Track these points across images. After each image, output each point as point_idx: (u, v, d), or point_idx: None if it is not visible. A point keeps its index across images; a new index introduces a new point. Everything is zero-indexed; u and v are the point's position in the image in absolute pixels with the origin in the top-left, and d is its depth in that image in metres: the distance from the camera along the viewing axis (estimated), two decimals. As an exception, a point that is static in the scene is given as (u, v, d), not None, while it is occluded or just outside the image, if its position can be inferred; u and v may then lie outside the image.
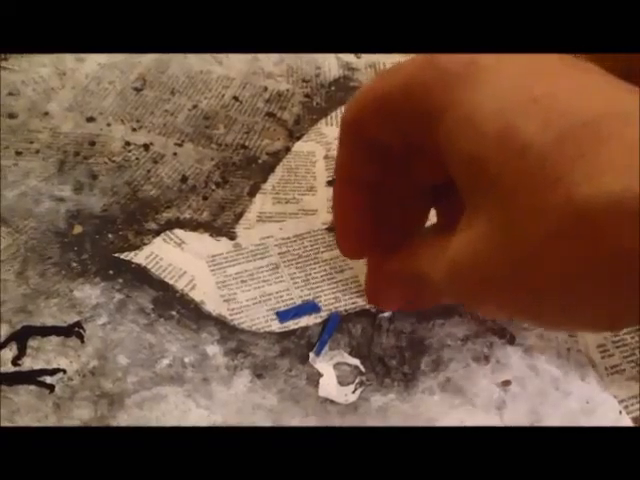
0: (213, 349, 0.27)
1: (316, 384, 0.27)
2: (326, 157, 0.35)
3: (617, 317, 0.18)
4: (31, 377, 0.26)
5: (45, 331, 0.28)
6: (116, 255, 0.30)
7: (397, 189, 0.24)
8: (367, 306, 0.29)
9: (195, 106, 0.38)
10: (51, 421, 0.25)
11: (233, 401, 0.26)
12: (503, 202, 0.18)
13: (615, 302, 0.17)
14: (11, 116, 0.36)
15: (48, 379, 0.26)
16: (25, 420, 0.25)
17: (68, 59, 0.39)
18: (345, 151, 0.24)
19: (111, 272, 0.30)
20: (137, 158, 0.35)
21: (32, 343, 0.27)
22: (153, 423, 0.25)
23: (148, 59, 0.40)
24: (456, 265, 0.20)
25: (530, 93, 0.18)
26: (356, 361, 0.27)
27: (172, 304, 0.29)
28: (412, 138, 0.22)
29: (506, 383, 0.27)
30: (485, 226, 0.19)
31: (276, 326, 0.28)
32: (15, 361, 0.27)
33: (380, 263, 0.24)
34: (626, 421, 0.26)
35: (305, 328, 0.28)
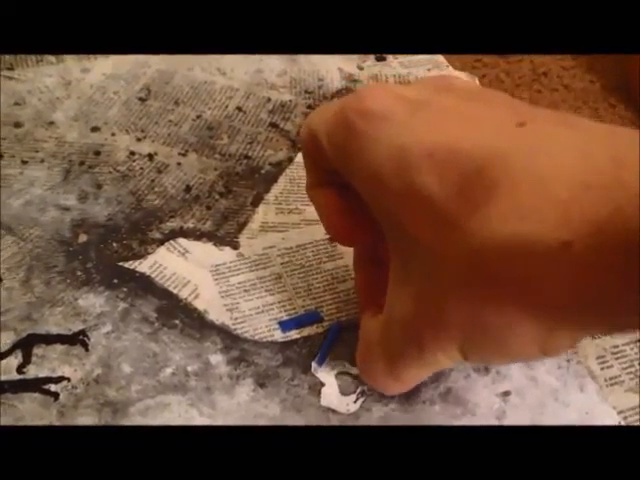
0: (216, 358, 0.28)
1: (318, 393, 0.27)
2: (328, 168, 0.36)
3: (544, 345, 0.19)
4: (36, 385, 0.26)
5: (50, 339, 0.28)
6: (120, 264, 0.31)
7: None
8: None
9: (199, 116, 0.38)
10: (55, 429, 0.25)
11: (236, 410, 0.26)
12: (417, 255, 0.20)
13: (526, 333, 0.18)
14: (17, 125, 0.36)
15: (52, 387, 0.26)
16: (29, 428, 0.25)
17: (74, 69, 0.40)
18: (305, 160, 0.26)
19: (115, 281, 0.30)
20: (141, 168, 0.35)
21: (37, 351, 0.27)
22: (156, 431, 0.25)
23: (153, 70, 0.40)
24: (402, 328, 0.21)
25: (424, 147, 0.19)
26: (358, 371, 0.28)
27: (175, 313, 0.29)
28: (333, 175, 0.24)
29: (506, 394, 0.27)
30: (411, 280, 0.20)
31: (278, 335, 0.29)
32: (20, 369, 0.27)
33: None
34: (625, 432, 0.27)
35: (307, 338, 0.29)
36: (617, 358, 0.29)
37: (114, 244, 0.31)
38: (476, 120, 0.20)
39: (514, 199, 0.17)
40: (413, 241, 0.19)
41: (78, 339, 0.28)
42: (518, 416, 0.27)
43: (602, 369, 0.28)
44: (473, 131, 0.19)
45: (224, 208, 0.34)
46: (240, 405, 0.26)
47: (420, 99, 0.21)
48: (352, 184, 0.22)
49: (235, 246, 0.32)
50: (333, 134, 0.23)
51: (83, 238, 0.32)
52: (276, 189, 0.35)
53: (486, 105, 0.21)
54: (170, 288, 0.30)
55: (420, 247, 0.19)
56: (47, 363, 0.27)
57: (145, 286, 0.30)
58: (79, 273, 0.30)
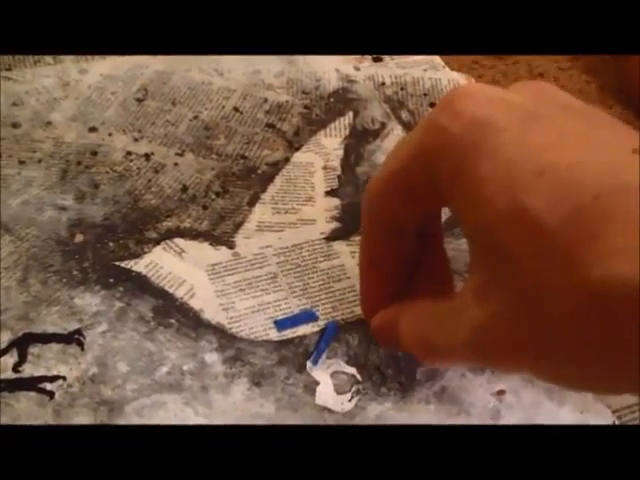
0: (212, 357, 0.28)
1: (313, 392, 0.27)
2: (325, 168, 0.36)
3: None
4: (31, 384, 0.27)
5: (46, 338, 0.28)
6: (117, 263, 0.31)
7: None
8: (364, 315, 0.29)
9: (196, 117, 0.38)
10: (51, 427, 0.25)
11: (231, 409, 0.26)
12: (518, 281, 0.18)
13: (632, 375, 0.17)
14: (15, 126, 0.37)
15: (48, 386, 0.26)
16: (25, 426, 0.25)
17: (71, 70, 0.40)
18: (366, 235, 0.25)
19: (111, 280, 0.30)
20: (138, 168, 0.35)
21: (33, 350, 0.28)
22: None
23: (150, 71, 0.40)
24: (478, 334, 0.20)
25: (532, 165, 0.18)
26: (353, 370, 0.28)
27: (171, 312, 0.29)
28: (429, 204, 0.23)
29: (501, 393, 0.27)
30: (501, 302, 0.19)
31: (274, 335, 0.29)
32: (16, 368, 0.27)
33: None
34: (619, 431, 0.27)
35: (303, 337, 0.29)
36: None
37: (111, 244, 0.32)
38: (590, 142, 0.18)
39: (635, 233, 0.16)
40: (511, 261, 0.18)
41: (74, 338, 0.28)
42: (513, 415, 0.27)
43: (597, 368, 0.28)
44: (588, 154, 0.18)
45: (220, 208, 0.34)
46: (235, 404, 0.26)
47: (528, 109, 0.20)
48: (444, 205, 0.21)
49: (231, 245, 0.32)
50: (429, 151, 0.21)
51: (80, 238, 0.32)
52: (272, 189, 0.35)
53: (595, 125, 0.19)
54: (166, 287, 0.30)
55: (519, 268, 0.18)
56: (43, 362, 0.27)
57: (141, 285, 0.30)
58: (75, 272, 0.30)
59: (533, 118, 0.19)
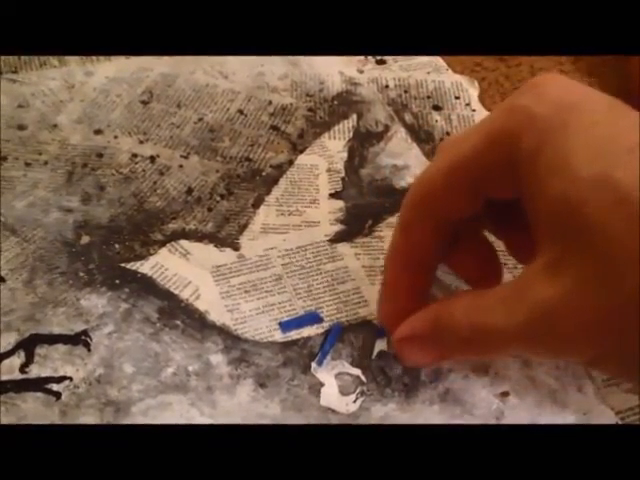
0: (217, 358, 0.28)
1: (318, 394, 0.27)
2: (329, 170, 0.36)
3: None
4: (38, 384, 0.27)
5: (52, 339, 0.28)
6: (122, 265, 0.31)
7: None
8: (368, 317, 0.30)
9: (201, 119, 0.38)
10: (57, 428, 0.25)
11: (236, 410, 0.26)
12: (599, 248, 0.18)
13: None
14: (21, 128, 0.37)
15: (55, 386, 0.27)
16: (32, 427, 0.25)
17: (77, 72, 0.40)
18: (408, 233, 0.25)
19: (117, 282, 0.30)
20: (143, 170, 0.35)
21: (39, 351, 0.28)
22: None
23: (155, 73, 0.41)
24: (545, 312, 0.19)
25: (624, 143, 0.19)
26: (357, 371, 0.28)
27: (177, 314, 0.29)
28: (491, 193, 0.22)
29: (505, 395, 0.28)
30: (578, 272, 0.19)
31: (279, 336, 0.29)
32: (23, 368, 0.27)
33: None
34: (623, 432, 0.27)
35: (307, 338, 0.29)
36: (615, 359, 0.29)
37: (116, 245, 0.32)
38: None
39: None
40: (595, 228, 0.18)
41: (80, 339, 0.28)
42: (516, 416, 0.27)
43: (600, 370, 0.29)
44: None
45: (225, 210, 0.34)
46: (240, 405, 0.27)
47: (606, 96, 0.20)
48: (511, 189, 0.21)
49: (236, 247, 0.32)
50: (507, 130, 0.21)
51: (86, 239, 0.32)
52: (277, 191, 0.35)
53: None
54: (171, 289, 0.30)
55: (603, 235, 0.18)
56: (49, 363, 0.27)
57: (147, 287, 0.30)
58: (81, 274, 0.30)
59: (618, 105, 0.20)
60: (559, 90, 0.21)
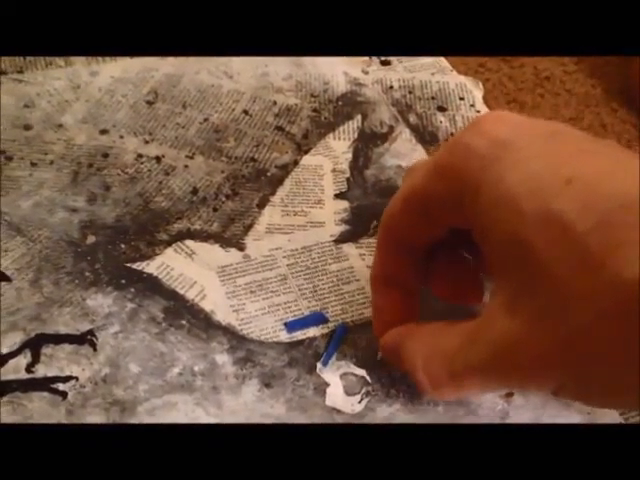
0: (222, 358, 0.28)
1: (323, 394, 0.27)
2: (333, 170, 0.36)
3: None
4: (44, 384, 0.27)
5: (58, 339, 0.28)
6: (128, 265, 0.31)
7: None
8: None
9: (206, 119, 0.38)
10: (64, 427, 0.26)
11: (242, 410, 0.27)
12: (546, 285, 0.18)
13: None
14: (26, 128, 0.37)
15: (61, 386, 0.27)
16: (38, 426, 0.26)
17: (82, 72, 0.40)
18: (381, 254, 0.26)
19: (123, 282, 0.30)
20: (149, 170, 0.35)
21: (45, 351, 0.28)
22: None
23: (160, 73, 0.41)
24: (506, 348, 0.20)
25: (562, 173, 0.19)
26: (362, 372, 0.28)
27: (182, 314, 0.29)
28: (445, 222, 0.23)
29: (509, 395, 0.28)
30: (532, 309, 0.19)
31: (284, 336, 0.29)
32: (29, 368, 0.27)
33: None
34: (627, 433, 0.27)
35: (312, 338, 0.29)
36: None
37: (122, 245, 0.32)
38: (611, 156, 0.19)
39: None
40: (542, 266, 0.18)
41: (86, 339, 0.28)
42: (521, 417, 0.27)
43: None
44: (613, 166, 0.19)
45: (230, 210, 0.34)
46: (246, 405, 0.27)
47: (549, 128, 0.21)
48: (462, 221, 0.22)
49: (241, 247, 0.32)
50: (450, 165, 0.22)
51: (91, 239, 0.32)
52: (282, 191, 0.35)
53: (611, 145, 0.20)
54: (177, 289, 0.30)
55: (550, 273, 0.18)
56: (55, 362, 0.27)
57: (152, 287, 0.30)
58: (87, 274, 0.31)
59: (554, 135, 0.20)
60: (496, 127, 0.21)
